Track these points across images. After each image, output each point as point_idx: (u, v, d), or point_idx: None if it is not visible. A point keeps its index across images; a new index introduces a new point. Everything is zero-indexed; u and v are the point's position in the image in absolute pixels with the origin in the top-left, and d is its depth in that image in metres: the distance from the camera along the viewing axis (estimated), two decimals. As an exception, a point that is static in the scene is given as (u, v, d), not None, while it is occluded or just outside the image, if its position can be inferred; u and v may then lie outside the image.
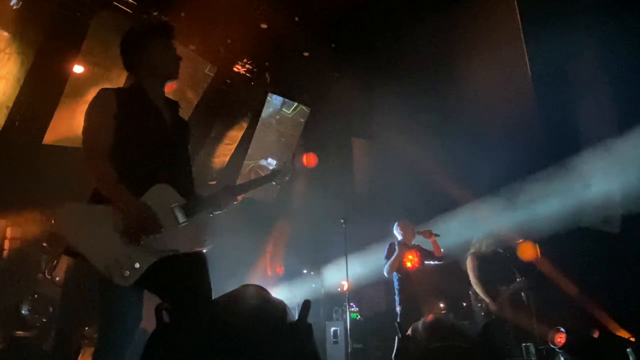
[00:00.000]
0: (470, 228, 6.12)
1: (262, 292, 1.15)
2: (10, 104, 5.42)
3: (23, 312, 4.26)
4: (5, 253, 5.68)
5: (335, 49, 7.33)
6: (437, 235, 5.45)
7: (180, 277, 1.93)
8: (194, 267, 2.00)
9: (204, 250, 2.09)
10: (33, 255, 5.61)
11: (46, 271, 4.85)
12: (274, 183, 2.62)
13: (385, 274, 5.32)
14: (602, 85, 5.81)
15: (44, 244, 5.33)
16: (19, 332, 4.26)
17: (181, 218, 2.01)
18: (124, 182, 1.95)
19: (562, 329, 4.75)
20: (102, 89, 2.16)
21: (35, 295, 4.39)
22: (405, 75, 6.91)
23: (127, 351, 1.92)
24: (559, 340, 4.70)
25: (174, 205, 2.01)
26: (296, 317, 1.09)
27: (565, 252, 5.87)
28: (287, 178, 2.64)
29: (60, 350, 4.53)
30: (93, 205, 1.95)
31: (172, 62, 2.24)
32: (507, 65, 6.06)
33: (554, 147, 5.78)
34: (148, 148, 2.04)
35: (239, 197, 2.31)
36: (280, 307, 1.12)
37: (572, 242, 5.77)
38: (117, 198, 1.90)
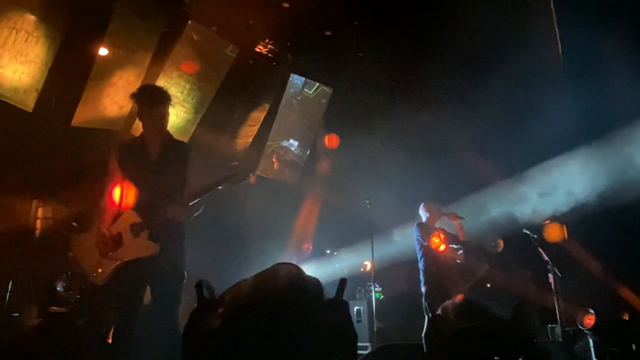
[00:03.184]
0: (497, 209, 6.05)
1: (296, 270, 1.15)
2: (39, 87, 5.52)
3: (58, 288, 4.42)
4: (37, 232, 5.86)
5: (357, 27, 7.21)
6: (462, 218, 5.39)
7: (131, 275, 2.90)
8: (143, 267, 2.89)
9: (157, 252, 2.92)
10: (64, 234, 5.78)
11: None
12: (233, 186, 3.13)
13: (421, 256, 5.28)
14: (634, 62, 5.61)
15: (74, 224, 5.47)
16: (55, 308, 4.43)
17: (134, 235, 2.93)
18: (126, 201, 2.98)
19: (592, 310, 4.68)
20: (118, 143, 3.24)
21: (69, 273, 4.54)
22: (431, 52, 6.77)
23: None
24: (588, 321, 4.64)
25: (130, 225, 2.92)
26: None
27: (594, 233, 5.76)
28: (246, 181, 3.18)
29: (93, 325, 4.70)
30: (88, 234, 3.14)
31: (160, 121, 3.09)
32: (538, 43, 5.88)
33: (587, 125, 5.62)
34: (134, 180, 3.01)
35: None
36: (315, 285, 1.12)
37: (601, 223, 5.65)
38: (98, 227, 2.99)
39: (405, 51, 6.72)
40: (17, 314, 4.76)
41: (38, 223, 5.90)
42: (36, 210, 5.90)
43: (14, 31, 5.23)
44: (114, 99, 6.21)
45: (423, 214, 5.52)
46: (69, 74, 5.79)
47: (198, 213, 3.06)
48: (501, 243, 6.25)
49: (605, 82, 5.73)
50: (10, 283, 4.68)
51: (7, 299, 4.59)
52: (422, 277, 5.25)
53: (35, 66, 5.46)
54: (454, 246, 5.42)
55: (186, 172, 3.04)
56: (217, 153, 7.54)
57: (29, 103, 5.47)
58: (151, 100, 3.03)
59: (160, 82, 6.54)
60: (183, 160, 3.06)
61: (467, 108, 6.55)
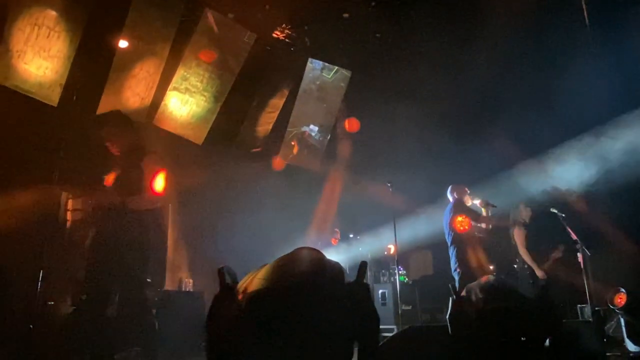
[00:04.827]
0: (524, 189, 5.93)
1: (317, 254, 1.15)
2: (63, 82, 5.62)
3: (89, 278, 4.54)
4: (68, 224, 6.02)
5: (375, 8, 7.08)
6: (494, 206, 5.30)
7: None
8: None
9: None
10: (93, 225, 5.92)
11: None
12: None
13: (452, 239, 5.25)
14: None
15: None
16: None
17: None
18: None
19: (622, 289, 4.58)
20: None
21: (99, 262, 4.65)
22: (450, 32, 6.61)
23: None
24: (618, 300, 4.54)
25: None
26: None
27: (624, 210, 5.61)
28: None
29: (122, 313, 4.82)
30: None
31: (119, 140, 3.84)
32: (564, 14, 5.67)
33: (616, 98, 5.43)
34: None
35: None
36: (336, 268, 1.13)
37: (632, 199, 5.50)
38: None
39: (424, 31, 6.58)
40: (52, 303, 4.93)
41: (68, 215, 6.06)
42: (66, 203, 6.06)
43: (36, 27, 5.32)
44: (135, 90, 6.29)
45: (451, 197, 5.50)
46: (91, 67, 5.87)
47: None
48: (529, 211, 5.94)
49: (633, 52, 5.52)
50: (43, 273, 4.84)
51: (39, 288, 4.75)
52: (453, 260, 5.22)
53: (58, 61, 5.56)
54: (478, 227, 5.37)
55: (143, 176, 3.61)
56: (238, 141, 7.59)
57: (53, 98, 5.59)
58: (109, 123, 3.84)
59: (180, 72, 6.59)
60: (141, 166, 3.66)
61: (490, 89, 6.40)
